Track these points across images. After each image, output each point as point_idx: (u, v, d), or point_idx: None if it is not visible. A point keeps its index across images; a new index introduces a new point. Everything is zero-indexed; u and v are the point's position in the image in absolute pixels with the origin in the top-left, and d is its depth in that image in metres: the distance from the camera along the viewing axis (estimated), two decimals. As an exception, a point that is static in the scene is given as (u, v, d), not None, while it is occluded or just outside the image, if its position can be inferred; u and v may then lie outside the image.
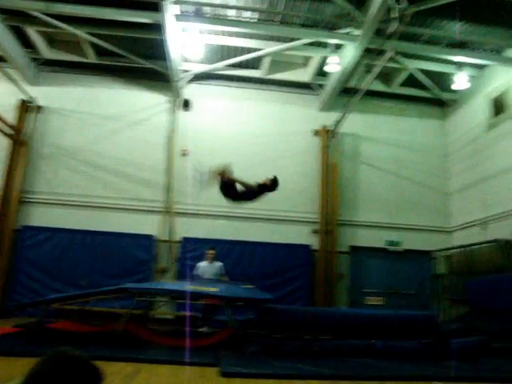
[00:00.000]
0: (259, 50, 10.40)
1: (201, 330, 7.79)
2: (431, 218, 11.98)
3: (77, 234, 10.56)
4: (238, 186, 6.41)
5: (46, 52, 11.00)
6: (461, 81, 10.69)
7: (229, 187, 6.37)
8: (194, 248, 10.45)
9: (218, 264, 9.05)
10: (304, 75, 11.54)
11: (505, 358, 6.08)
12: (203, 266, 9.04)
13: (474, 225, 10.92)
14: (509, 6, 8.78)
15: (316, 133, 11.94)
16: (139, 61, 10.89)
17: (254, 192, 6.46)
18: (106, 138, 11.37)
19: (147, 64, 10.98)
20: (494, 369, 5.50)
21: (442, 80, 11.56)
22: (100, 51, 10.88)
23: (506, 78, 10.26)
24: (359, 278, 11.46)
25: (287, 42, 10.15)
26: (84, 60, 11.07)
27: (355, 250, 11.55)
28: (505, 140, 10.15)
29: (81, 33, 9.86)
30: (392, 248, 11.67)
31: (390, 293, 11.41)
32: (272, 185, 6.46)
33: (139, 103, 11.71)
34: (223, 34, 9.96)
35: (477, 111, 11.31)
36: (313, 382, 4.49)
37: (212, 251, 9.11)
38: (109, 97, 11.64)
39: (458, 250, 10.92)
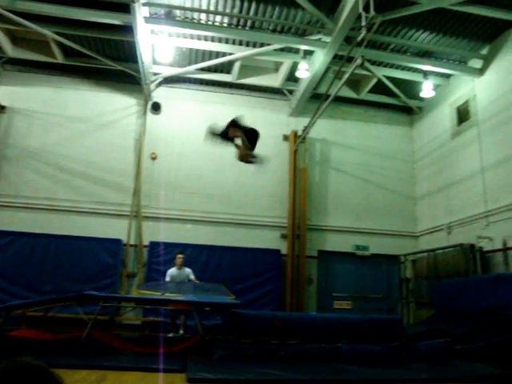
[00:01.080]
0: (230, 54, 10.41)
1: (169, 335, 7.71)
2: (398, 223, 12.19)
3: (41, 238, 10.28)
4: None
5: (10, 50, 10.66)
6: (427, 89, 10.99)
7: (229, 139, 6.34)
8: (162, 253, 10.32)
9: (188, 270, 9.00)
10: (274, 80, 11.60)
11: (468, 359, 6.21)
12: (173, 272, 8.97)
13: (439, 229, 11.18)
14: (472, 18, 9.08)
15: (285, 138, 12.03)
16: (108, 62, 10.73)
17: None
18: (73, 141, 11.14)
19: (117, 66, 10.83)
20: (457, 370, 5.62)
21: (409, 88, 11.82)
22: (68, 51, 10.68)
23: (469, 88, 10.57)
24: (328, 283, 11.56)
25: (258, 47, 10.19)
26: (51, 60, 10.79)
27: (324, 254, 11.65)
28: (468, 148, 10.44)
29: (48, 32, 9.63)
30: (360, 252, 11.82)
31: (357, 297, 11.55)
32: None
33: (108, 105, 11.54)
34: (194, 37, 9.92)
35: (442, 119, 11.61)
36: (280, 387, 4.48)
37: (181, 255, 9.05)
38: (77, 98, 11.42)
39: (425, 254, 11.14)
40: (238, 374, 4.91)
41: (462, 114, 10.88)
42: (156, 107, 11.60)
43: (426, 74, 10.83)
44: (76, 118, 11.25)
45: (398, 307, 11.66)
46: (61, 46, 10.41)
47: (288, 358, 5.97)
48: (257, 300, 10.52)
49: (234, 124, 6.35)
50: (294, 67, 10.58)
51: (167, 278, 8.94)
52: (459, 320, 7.90)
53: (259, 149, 12.01)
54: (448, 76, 11.25)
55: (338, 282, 11.59)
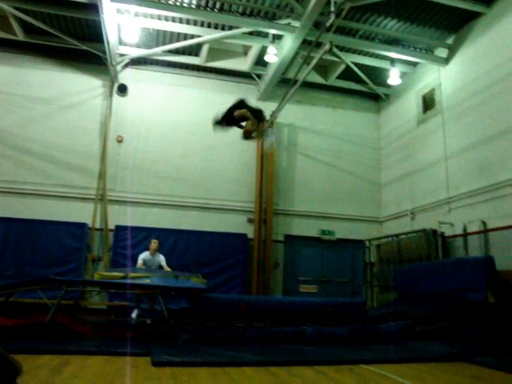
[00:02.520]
0: (198, 36, 10.25)
1: (133, 318, 7.68)
2: (364, 209, 12.41)
3: (2, 222, 9.98)
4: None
5: (-34, 26, 10.17)
6: (394, 76, 11.14)
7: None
8: (129, 236, 10.22)
9: (161, 257, 8.98)
10: (243, 64, 11.51)
11: (427, 339, 6.43)
12: (146, 257, 8.90)
13: (403, 215, 11.45)
14: (439, 7, 9.21)
15: (254, 122, 11.98)
16: (72, 42, 10.40)
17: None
18: (36, 122, 10.80)
19: (81, 46, 10.50)
20: (416, 350, 5.81)
21: (377, 75, 11.95)
22: (29, 28, 10.28)
23: (435, 76, 10.76)
24: (294, 267, 11.70)
25: (227, 29, 10.09)
26: (11, 37, 10.34)
27: (290, 238, 11.77)
28: (432, 135, 10.67)
29: (6, 7, 9.23)
30: (326, 237, 11.99)
31: (323, 281, 11.74)
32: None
33: (73, 86, 11.20)
34: (161, 18, 9.71)
35: (408, 106, 11.80)
36: (245, 369, 4.54)
37: (156, 241, 9.03)
38: (40, 78, 11.03)
39: (389, 239, 11.40)
40: (202, 357, 4.94)
41: (428, 102, 11.09)
42: (122, 89, 11.35)
43: (393, 61, 10.96)
44: (39, 99, 10.89)
45: (362, 291, 11.94)
46: (21, 22, 9.99)
47: (253, 341, 6.05)
48: (223, 284, 10.57)
49: (241, 104, 6.49)
50: (263, 51, 10.53)
51: (139, 262, 8.89)
52: (420, 303, 8.13)
53: (227, 134, 12.02)
54: (415, 64, 11.41)
55: (304, 266, 11.75)
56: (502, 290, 7.51)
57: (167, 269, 8.77)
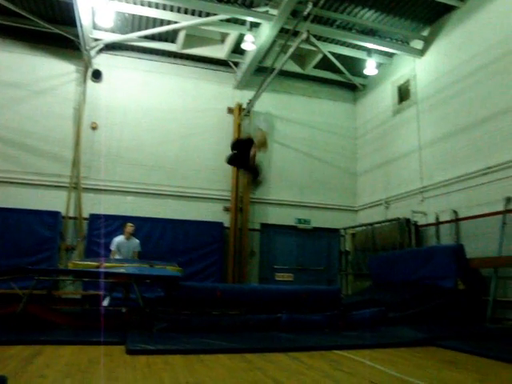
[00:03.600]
0: (175, 22, 10.11)
1: (104, 306, 7.63)
2: (339, 198, 12.54)
3: (-29, 210, 9.74)
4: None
5: None
6: (370, 67, 11.25)
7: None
8: (103, 225, 10.10)
9: (136, 241, 8.98)
10: (220, 52, 11.41)
11: (399, 325, 6.58)
12: (120, 241, 8.85)
13: (378, 204, 11.62)
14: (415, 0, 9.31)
15: (230, 110, 11.94)
16: (44, 24, 10.09)
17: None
18: (6, 107, 10.50)
19: (53, 29, 10.21)
20: (389, 336, 5.93)
21: (354, 65, 12.02)
22: (-2, 10, 9.93)
23: (410, 67, 10.88)
24: (270, 255, 11.78)
25: (204, 16, 9.97)
26: (-22, 18, 10.01)
27: (266, 227, 11.83)
28: (407, 126, 10.82)
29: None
30: (302, 226, 12.09)
31: (299, 269, 11.86)
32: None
33: (45, 71, 10.90)
34: (137, 2, 9.55)
35: (384, 97, 11.92)
36: (220, 356, 4.55)
37: (132, 224, 8.99)
38: (9, 61, 10.67)
39: (363, 227, 11.56)
40: (177, 345, 4.94)
41: (403, 93, 11.23)
42: (97, 75, 11.13)
43: (369, 51, 11.04)
44: (9, 84, 10.56)
45: (337, 279, 12.11)
46: (-12, 2, 9.66)
47: (228, 329, 6.07)
48: (200, 272, 10.57)
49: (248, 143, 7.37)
50: (240, 39, 10.45)
51: (112, 246, 8.81)
52: (393, 290, 8.29)
53: (204, 121, 11.96)
54: (391, 55, 11.51)
55: (280, 255, 11.83)
56: (471, 277, 7.74)
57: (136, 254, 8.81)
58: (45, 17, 10.14)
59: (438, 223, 9.48)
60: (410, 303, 7.42)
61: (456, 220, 8.97)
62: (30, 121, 10.53)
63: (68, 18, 9.90)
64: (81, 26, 9.38)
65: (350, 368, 4.01)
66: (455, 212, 9.00)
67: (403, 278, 8.58)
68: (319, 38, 10.62)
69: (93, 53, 10.87)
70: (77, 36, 9.89)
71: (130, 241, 8.93)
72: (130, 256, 9.06)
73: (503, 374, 3.93)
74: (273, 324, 6.33)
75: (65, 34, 10.27)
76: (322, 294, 7.64)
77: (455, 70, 9.37)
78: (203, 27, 10.36)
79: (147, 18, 10.18)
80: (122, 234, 9.28)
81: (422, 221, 9.97)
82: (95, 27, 10.39)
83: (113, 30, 10.58)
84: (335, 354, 4.72)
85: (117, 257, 8.91)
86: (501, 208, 7.87)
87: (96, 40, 10.69)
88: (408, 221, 10.02)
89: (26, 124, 10.49)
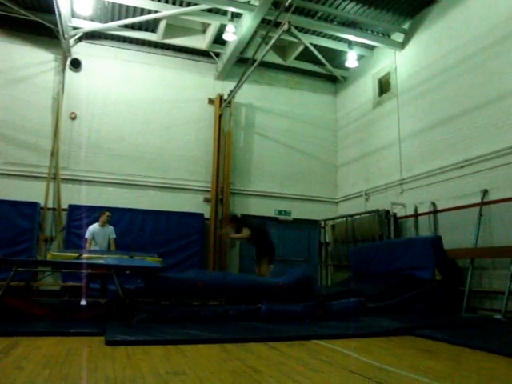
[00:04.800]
0: (155, 12, 9.97)
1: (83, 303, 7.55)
2: (320, 189, 12.62)
3: None
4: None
5: None
6: (351, 59, 11.29)
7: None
8: (83, 216, 10.01)
9: (110, 228, 8.96)
10: (201, 42, 11.33)
11: (378, 315, 6.68)
12: (95, 229, 8.80)
13: (358, 196, 11.73)
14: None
15: (211, 101, 11.89)
16: (22, 11, 9.87)
17: None
18: (-19, 96, 10.29)
19: (31, 16, 9.99)
20: (367, 326, 6.01)
21: (335, 57, 12.05)
22: (-27, -4, 9.69)
23: (391, 60, 10.97)
24: (250, 246, 11.76)
25: (185, 6, 9.87)
26: (-48, 4, 9.74)
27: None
28: (387, 118, 10.92)
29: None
30: (282, 217, 12.15)
31: (279, 260, 11.88)
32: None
33: (22, 59, 10.67)
34: (116, -10, 9.41)
35: (365, 89, 12.00)
36: (200, 346, 4.56)
37: (109, 213, 8.96)
38: (-16, 49, 10.46)
39: (343, 219, 11.66)
40: (157, 335, 4.93)
41: (384, 86, 11.33)
42: (76, 64, 10.94)
43: (350, 44, 11.06)
44: (-17, 72, 10.36)
45: (317, 270, 12.21)
46: (-37, -12, 9.42)
47: (208, 319, 6.09)
48: (180, 263, 10.54)
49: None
50: (222, 29, 10.39)
51: (87, 235, 8.76)
52: (372, 281, 8.40)
53: (185, 112, 11.90)
54: (372, 48, 11.58)
55: (261, 246, 11.83)
56: (448, 267, 7.89)
57: (113, 242, 8.88)
58: (22, 3, 9.91)
59: (416, 215, 9.63)
60: (388, 293, 7.54)
61: (434, 212, 9.12)
62: (6, 110, 10.33)
63: (46, 6, 9.70)
64: (59, 14, 9.19)
65: (329, 357, 4.07)
66: (434, 204, 9.14)
67: (382, 268, 8.69)
68: (301, 30, 10.62)
69: (72, 41, 10.69)
70: (55, 24, 9.70)
71: (104, 228, 8.90)
72: (106, 243, 9.00)
73: (476, 361, 4.03)
74: (252, 314, 6.36)
75: (43, 22, 10.07)
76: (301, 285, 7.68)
77: (435, 64, 9.48)
78: (184, 17, 10.27)
79: (127, 6, 10.03)
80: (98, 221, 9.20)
81: (401, 212, 10.12)
82: (74, 15, 10.19)
83: (92, 19, 10.42)
84: (314, 344, 4.78)
85: (93, 245, 8.85)
86: (477, 200, 8.03)
87: (75, 28, 10.50)
88: (387, 212, 10.15)
89: (2, 113, 10.28)
